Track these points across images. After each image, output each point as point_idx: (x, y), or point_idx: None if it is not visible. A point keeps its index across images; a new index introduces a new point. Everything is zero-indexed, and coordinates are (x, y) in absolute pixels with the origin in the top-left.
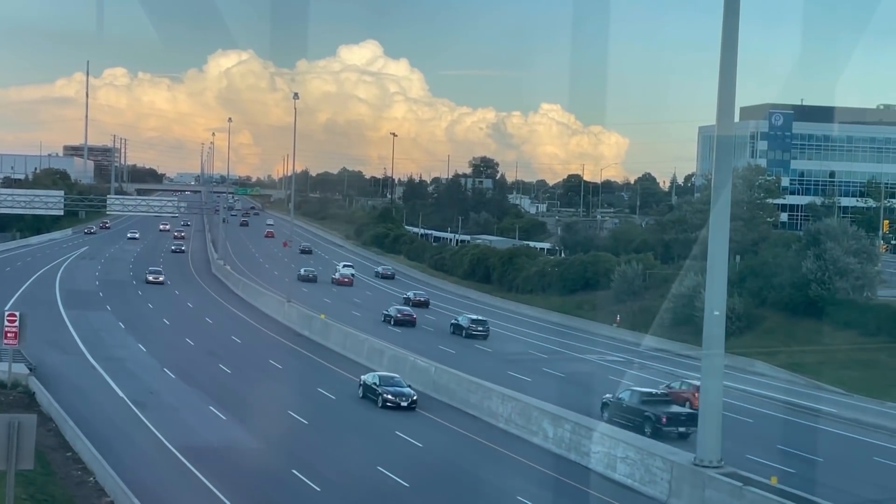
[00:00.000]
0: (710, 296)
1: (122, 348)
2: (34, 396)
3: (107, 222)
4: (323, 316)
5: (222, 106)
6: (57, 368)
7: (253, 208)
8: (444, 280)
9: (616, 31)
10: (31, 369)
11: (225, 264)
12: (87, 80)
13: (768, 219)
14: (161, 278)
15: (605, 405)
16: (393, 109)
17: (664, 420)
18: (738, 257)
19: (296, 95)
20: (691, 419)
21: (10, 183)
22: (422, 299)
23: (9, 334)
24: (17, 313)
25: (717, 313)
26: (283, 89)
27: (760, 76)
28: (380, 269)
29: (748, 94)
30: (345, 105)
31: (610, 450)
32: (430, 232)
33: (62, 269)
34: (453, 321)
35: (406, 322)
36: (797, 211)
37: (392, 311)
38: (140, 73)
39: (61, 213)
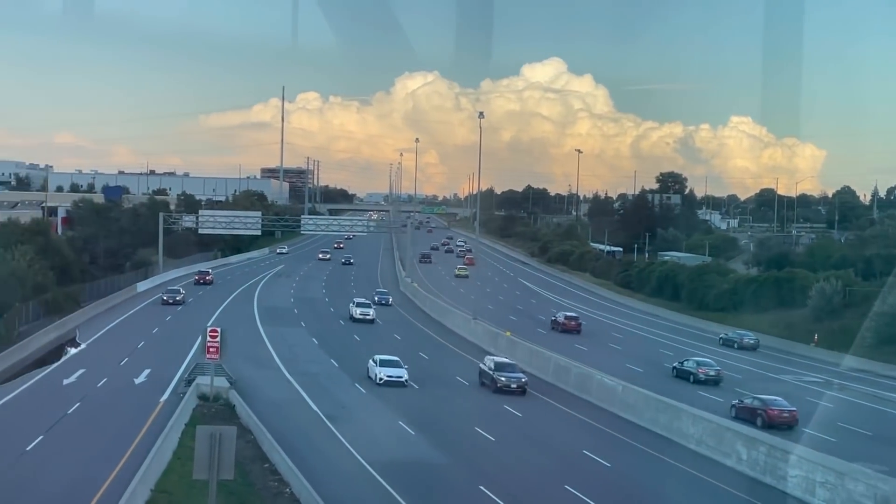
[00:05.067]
0: None
1: (316, 363)
2: (234, 409)
3: (208, 273)
4: (508, 333)
5: (409, 127)
6: (255, 382)
7: (429, 220)
8: (630, 297)
9: (810, 38)
10: (231, 383)
11: (413, 282)
12: (283, 105)
13: None
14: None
15: None
16: (577, 126)
17: None
18: None
19: (481, 115)
20: None
21: (211, 205)
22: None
23: (211, 349)
24: (219, 329)
25: None
26: (467, 109)
27: None
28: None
29: None
30: (528, 123)
31: (808, 474)
32: (614, 249)
33: (260, 286)
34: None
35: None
36: None
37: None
38: (331, 97)
39: (258, 233)
